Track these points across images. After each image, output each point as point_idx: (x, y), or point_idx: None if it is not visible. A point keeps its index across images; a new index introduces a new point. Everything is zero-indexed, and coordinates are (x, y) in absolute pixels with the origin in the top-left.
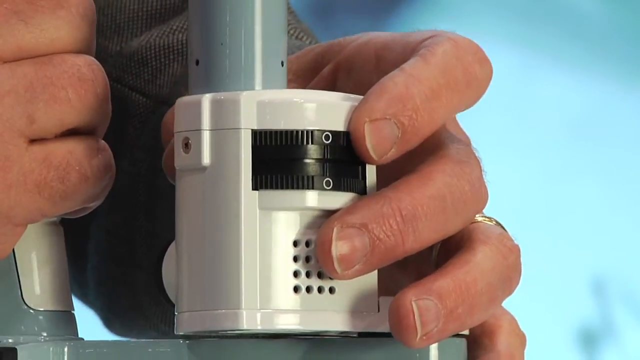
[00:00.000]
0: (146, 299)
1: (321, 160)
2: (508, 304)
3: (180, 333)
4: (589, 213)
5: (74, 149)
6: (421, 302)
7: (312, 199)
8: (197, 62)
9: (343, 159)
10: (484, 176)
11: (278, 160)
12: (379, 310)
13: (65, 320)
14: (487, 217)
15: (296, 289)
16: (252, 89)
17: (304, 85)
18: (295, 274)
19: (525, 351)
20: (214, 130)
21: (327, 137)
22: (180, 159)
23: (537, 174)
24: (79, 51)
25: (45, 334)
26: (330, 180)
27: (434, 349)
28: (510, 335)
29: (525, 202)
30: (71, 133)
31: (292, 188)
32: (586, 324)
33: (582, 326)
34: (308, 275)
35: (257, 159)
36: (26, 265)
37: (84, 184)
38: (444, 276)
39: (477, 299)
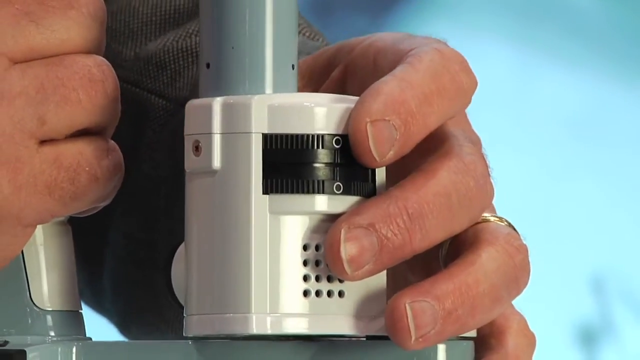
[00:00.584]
0: (166, 302)
1: (332, 165)
2: None
3: (189, 336)
4: (588, 211)
5: (84, 149)
6: (416, 304)
7: (323, 203)
8: (208, 66)
9: (353, 163)
10: (489, 173)
11: (289, 164)
12: None
13: (73, 320)
14: (498, 217)
15: (306, 293)
16: (263, 92)
17: (319, 87)
18: (305, 278)
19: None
20: (224, 134)
21: (337, 142)
22: (191, 161)
23: (535, 172)
24: (89, 51)
25: (53, 334)
26: (341, 185)
27: (441, 351)
28: (519, 335)
29: (523, 200)
30: (81, 134)
31: (303, 192)
32: (586, 321)
33: (581, 324)
34: (318, 279)
35: (267, 163)
36: (34, 265)
37: (94, 184)
38: (444, 277)
39: (478, 300)
